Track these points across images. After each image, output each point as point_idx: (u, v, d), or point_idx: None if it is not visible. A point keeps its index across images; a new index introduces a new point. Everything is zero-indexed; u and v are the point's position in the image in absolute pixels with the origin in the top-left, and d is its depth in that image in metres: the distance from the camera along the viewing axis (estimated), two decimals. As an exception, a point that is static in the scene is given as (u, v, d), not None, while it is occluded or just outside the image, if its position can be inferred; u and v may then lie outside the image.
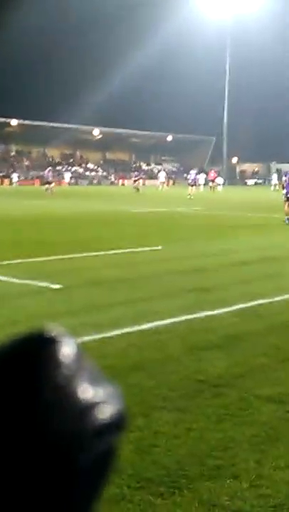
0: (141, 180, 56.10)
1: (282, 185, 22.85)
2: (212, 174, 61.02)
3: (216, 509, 3.30)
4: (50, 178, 50.09)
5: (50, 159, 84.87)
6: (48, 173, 52.00)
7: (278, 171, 79.12)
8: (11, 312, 7.64)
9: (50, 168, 57.20)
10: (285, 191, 22.00)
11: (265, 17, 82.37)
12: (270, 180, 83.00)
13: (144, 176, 62.07)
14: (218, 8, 78.14)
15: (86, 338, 6.37)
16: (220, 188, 60.56)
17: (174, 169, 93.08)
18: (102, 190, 52.92)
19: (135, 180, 53.13)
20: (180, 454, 3.90)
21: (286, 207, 21.52)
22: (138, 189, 50.40)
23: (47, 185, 48.03)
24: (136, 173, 60.17)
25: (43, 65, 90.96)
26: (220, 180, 63.01)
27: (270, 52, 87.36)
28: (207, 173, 63.54)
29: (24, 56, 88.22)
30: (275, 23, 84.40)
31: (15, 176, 67.59)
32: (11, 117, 79.31)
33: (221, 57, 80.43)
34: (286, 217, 21.23)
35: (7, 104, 75.41)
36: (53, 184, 49.20)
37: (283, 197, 22.01)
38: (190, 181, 46.32)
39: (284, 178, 23.68)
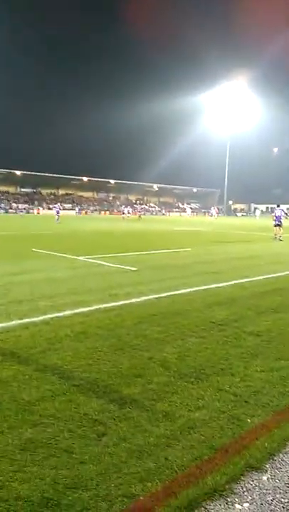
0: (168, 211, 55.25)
1: (273, 218, 19.85)
2: (216, 210, 60.47)
3: (221, 392, 3.24)
4: (126, 211, 50.20)
5: (130, 201, 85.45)
6: (126, 208, 52.53)
7: (255, 209, 77.69)
8: (110, 282, 7.67)
9: (128, 206, 57.68)
10: (275, 221, 19.37)
11: (250, 137, 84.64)
12: (251, 213, 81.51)
13: (141, 212, 56.42)
14: (221, 128, 79.15)
15: (150, 297, 6.38)
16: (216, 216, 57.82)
17: (197, 207, 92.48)
18: (157, 218, 52.78)
19: (139, 214, 50.55)
20: (201, 361, 3.84)
21: (275, 229, 19.19)
22: (140, 217, 48.64)
23: (124, 215, 48.37)
24: (139, 208, 59.98)
25: (130, 148, 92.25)
26: (216, 212, 60.38)
27: (251, 151, 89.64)
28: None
29: (117, 145, 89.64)
30: (252, 139, 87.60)
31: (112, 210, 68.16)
32: (110, 178, 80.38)
33: (223, 151, 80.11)
34: (274, 235, 19.00)
35: (108, 171, 76.65)
36: (128, 215, 49.37)
37: (274, 223, 19.41)
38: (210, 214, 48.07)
39: (272, 213, 21.45)
